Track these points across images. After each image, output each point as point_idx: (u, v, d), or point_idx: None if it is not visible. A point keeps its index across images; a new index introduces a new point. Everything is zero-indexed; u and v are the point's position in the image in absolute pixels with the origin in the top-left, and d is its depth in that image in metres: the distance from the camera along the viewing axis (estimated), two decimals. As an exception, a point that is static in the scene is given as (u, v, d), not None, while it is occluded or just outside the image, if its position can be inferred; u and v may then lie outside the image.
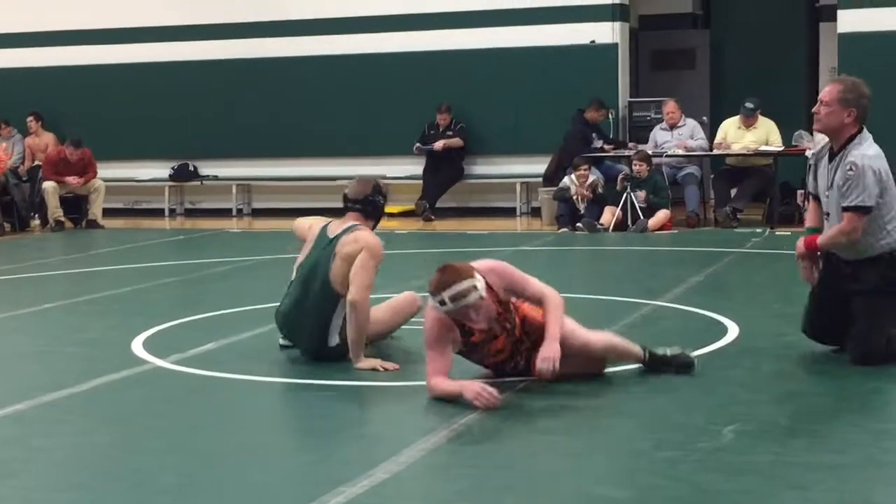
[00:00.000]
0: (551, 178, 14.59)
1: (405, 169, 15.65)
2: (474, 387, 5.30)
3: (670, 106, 14.38)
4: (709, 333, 6.92)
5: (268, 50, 16.63)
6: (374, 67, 16.19)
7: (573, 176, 13.61)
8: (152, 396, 5.93)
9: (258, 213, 17.04)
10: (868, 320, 5.99)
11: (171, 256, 12.35)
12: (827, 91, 6.13)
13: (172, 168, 17.16)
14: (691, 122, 14.43)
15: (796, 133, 13.88)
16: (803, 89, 16.27)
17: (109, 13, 17.21)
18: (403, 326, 6.96)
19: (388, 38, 16.13)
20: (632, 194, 13.04)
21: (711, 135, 14.47)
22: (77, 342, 7.37)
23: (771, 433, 4.90)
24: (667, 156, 14.02)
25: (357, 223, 6.49)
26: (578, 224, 13.30)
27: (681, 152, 13.99)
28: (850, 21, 14.38)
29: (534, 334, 5.67)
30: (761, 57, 16.76)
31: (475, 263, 5.60)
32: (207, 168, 17.17)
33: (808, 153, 13.22)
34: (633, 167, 13.31)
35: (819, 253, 6.22)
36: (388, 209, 7.31)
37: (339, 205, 6.67)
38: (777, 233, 12.54)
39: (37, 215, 15.73)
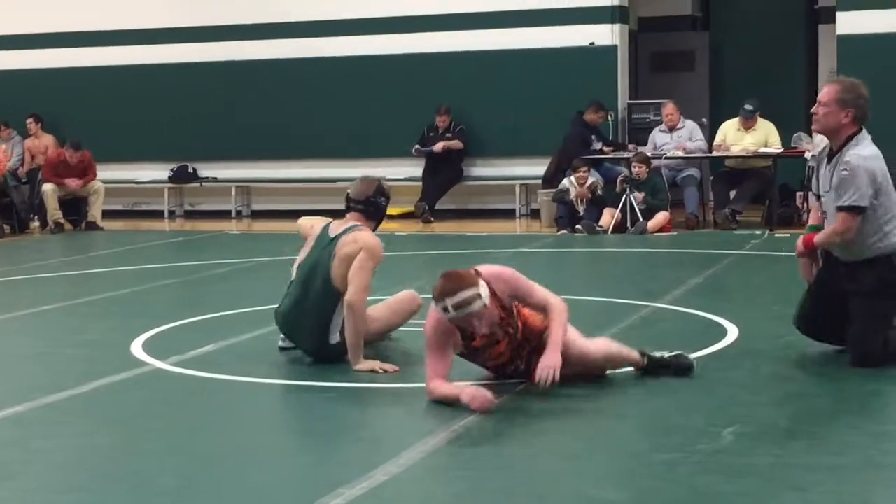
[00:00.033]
0: (550, 179, 14.59)
1: (404, 171, 15.65)
2: (469, 390, 5.31)
3: (669, 108, 14.39)
4: (708, 335, 6.92)
5: (267, 52, 16.63)
6: (374, 69, 16.20)
7: (572, 178, 13.61)
8: (152, 398, 5.93)
9: (257, 214, 17.04)
10: (865, 322, 6.00)
11: (170, 258, 12.34)
12: (825, 92, 6.15)
13: (172, 170, 17.16)
14: (690, 124, 14.44)
15: (795, 135, 13.88)
16: (802, 91, 16.27)
17: (109, 15, 17.21)
18: (403, 328, 6.96)
19: (388, 40, 16.13)
20: (631, 196, 13.04)
21: (711, 137, 14.48)
22: (77, 344, 7.36)
23: (770, 435, 4.90)
24: (666, 158, 14.02)
25: (358, 223, 6.49)
26: (577, 226, 13.30)
27: (680, 154, 13.99)
28: (850, 23, 14.39)
29: (534, 340, 5.67)
30: (760, 59, 16.77)
31: (481, 268, 5.57)
32: (207, 170, 17.17)
33: (807, 155, 13.25)
34: (633, 169, 13.32)
35: (819, 252, 6.25)
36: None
37: (339, 206, 6.67)
38: (776, 234, 12.54)
39: (36, 217, 15.73)
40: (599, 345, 5.83)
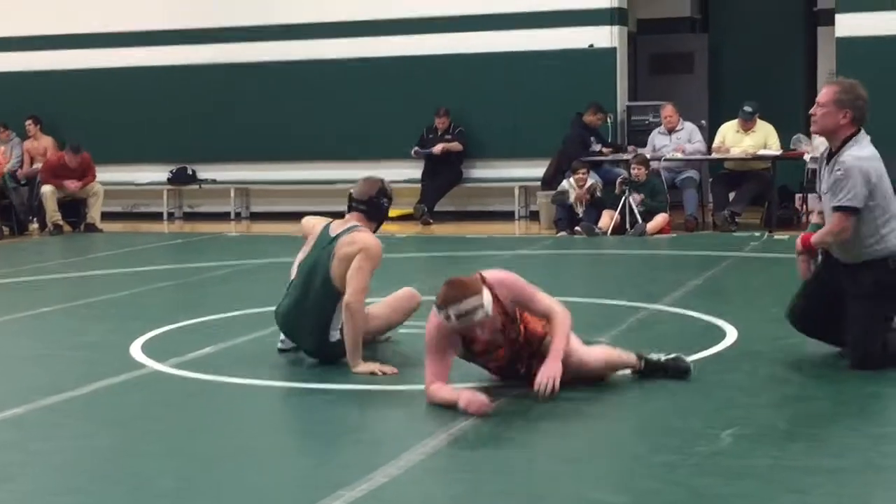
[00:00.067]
0: (550, 181, 14.59)
1: (403, 173, 15.64)
2: (466, 394, 5.31)
3: (668, 110, 14.39)
4: (707, 337, 6.92)
5: (266, 54, 16.63)
6: (373, 71, 16.20)
7: (572, 180, 13.61)
8: (151, 400, 5.93)
9: (256, 216, 17.04)
10: (864, 325, 6.01)
11: (169, 260, 12.35)
12: (823, 93, 6.16)
13: (171, 172, 17.15)
14: (689, 126, 14.44)
15: (794, 137, 13.89)
16: (801, 93, 16.25)
17: (108, 17, 17.20)
18: (402, 330, 6.96)
19: (386, 42, 16.13)
20: (630, 198, 13.05)
21: (710, 138, 14.48)
22: (76, 346, 7.36)
23: (769, 437, 4.90)
24: (665, 159, 14.03)
25: (358, 224, 6.49)
26: (577, 228, 13.30)
27: (679, 156, 13.99)
28: (848, 25, 14.39)
29: (534, 344, 5.67)
30: (760, 61, 16.77)
31: (486, 273, 5.55)
32: (206, 172, 17.16)
33: (807, 157, 13.26)
34: (632, 171, 13.31)
35: (819, 251, 6.26)
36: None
37: (338, 208, 6.67)
38: (775, 236, 12.54)
39: (35, 219, 15.72)
40: (599, 354, 5.81)
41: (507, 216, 15.72)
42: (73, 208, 15.43)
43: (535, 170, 15.15)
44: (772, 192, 13.56)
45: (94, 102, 17.18)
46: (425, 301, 6.52)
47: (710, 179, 14.55)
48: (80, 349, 7.24)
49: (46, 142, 17.07)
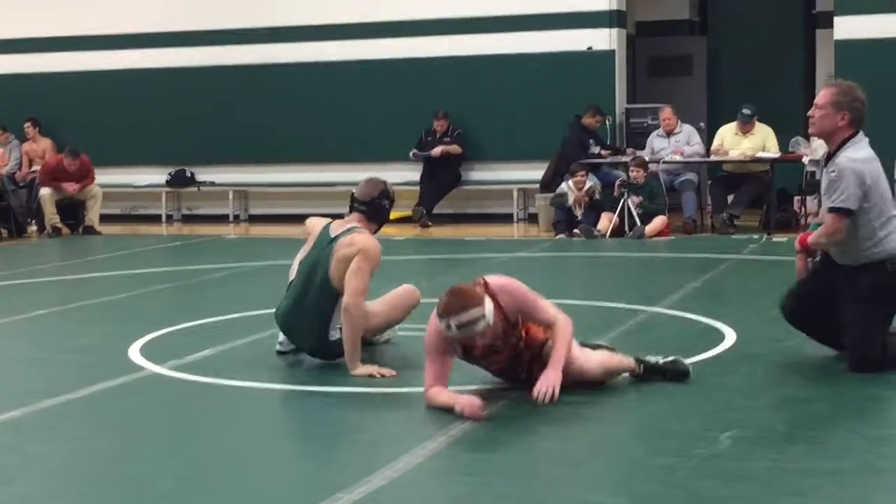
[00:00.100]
0: (548, 184, 14.59)
1: (402, 175, 15.64)
2: (463, 399, 5.30)
3: (667, 112, 14.39)
4: (706, 340, 6.92)
5: (265, 56, 16.64)
6: (371, 73, 16.20)
7: (570, 182, 13.61)
8: (149, 403, 5.92)
9: (255, 219, 17.04)
10: (862, 327, 6.00)
11: (168, 262, 12.34)
12: (821, 95, 6.16)
13: (169, 174, 17.16)
14: (688, 129, 14.44)
15: (793, 139, 13.89)
16: (800, 96, 16.25)
17: (107, 19, 17.20)
18: (402, 333, 6.96)
19: (385, 45, 16.14)
20: (629, 200, 13.05)
21: (708, 141, 14.48)
22: (73, 348, 7.36)
23: (768, 439, 4.90)
24: (664, 162, 14.03)
25: (358, 225, 6.48)
26: (575, 230, 13.30)
27: (678, 158, 14.00)
28: (847, 28, 14.39)
29: (535, 349, 5.66)
30: (758, 63, 16.79)
31: (489, 278, 5.54)
32: (204, 174, 17.17)
33: (805, 159, 13.27)
34: (630, 173, 13.32)
35: (819, 252, 6.27)
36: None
37: (337, 210, 6.67)
38: (774, 239, 12.54)
39: (34, 221, 15.72)
40: (599, 361, 5.79)
41: (506, 218, 15.72)
42: (72, 211, 15.43)
43: (534, 172, 15.16)
44: (770, 194, 13.56)
45: (93, 105, 17.19)
46: (425, 302, 6.52)
47: (709, 182, 14.55)
48: (77, 352, 7.23)
49: (45, 144, 17.07)
